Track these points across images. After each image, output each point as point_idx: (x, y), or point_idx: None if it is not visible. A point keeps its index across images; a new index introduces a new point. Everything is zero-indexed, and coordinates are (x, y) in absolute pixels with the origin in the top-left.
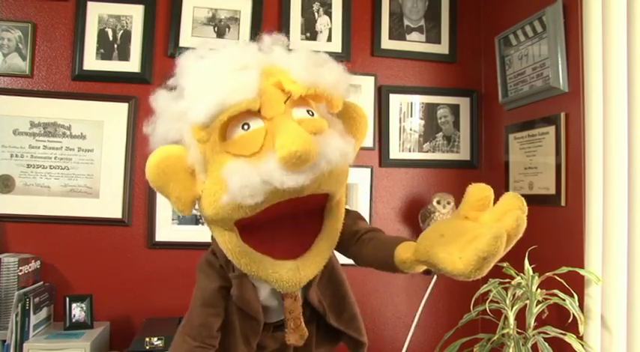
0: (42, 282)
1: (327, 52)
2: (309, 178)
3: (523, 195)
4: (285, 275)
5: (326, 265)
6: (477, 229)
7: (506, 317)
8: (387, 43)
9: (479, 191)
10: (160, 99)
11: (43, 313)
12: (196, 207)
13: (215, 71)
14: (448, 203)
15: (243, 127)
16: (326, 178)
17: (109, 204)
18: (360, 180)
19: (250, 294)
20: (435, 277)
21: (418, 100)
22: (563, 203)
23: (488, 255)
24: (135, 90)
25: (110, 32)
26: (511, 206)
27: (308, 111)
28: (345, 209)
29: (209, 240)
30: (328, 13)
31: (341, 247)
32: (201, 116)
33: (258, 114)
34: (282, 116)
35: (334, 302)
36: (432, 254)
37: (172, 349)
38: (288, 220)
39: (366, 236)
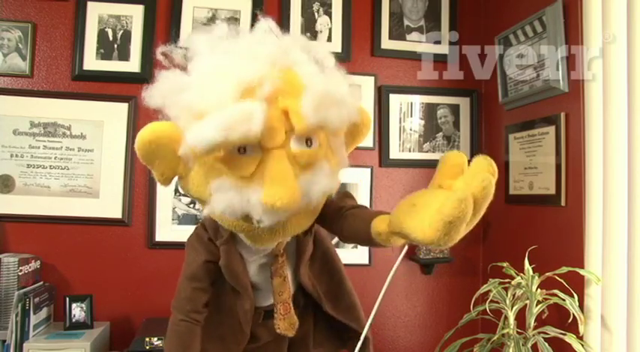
0: (42, 282)
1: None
2: (286, 216)
3: (523, 195)
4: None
5: (319, 246)
6: (446, 195)
7: (506, 317)
8: (387, 43)
9: (451, 158)
10: (165, 77)
11: (43, 313)
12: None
13: (224, 76)
14: None
15: (239, 151)
16: (303, 208)
17: (109, 204)
18: (360, 180)
19: (237, 265)
20: (406, 247)
21: (418, 100)
22: (563, 203)
23: (454, 219)
24: (135, 90)
25: (110, 32)
26: (479, 169)
27: (307, 141)
28: None
29: None
30: (328, 13)
31: (326, 222)
32: (202, 145)
33: (256, 142)
34: (278, 151)
35: (330, 289)
36: (404, 223)
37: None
38: None
39: (350, 212)
